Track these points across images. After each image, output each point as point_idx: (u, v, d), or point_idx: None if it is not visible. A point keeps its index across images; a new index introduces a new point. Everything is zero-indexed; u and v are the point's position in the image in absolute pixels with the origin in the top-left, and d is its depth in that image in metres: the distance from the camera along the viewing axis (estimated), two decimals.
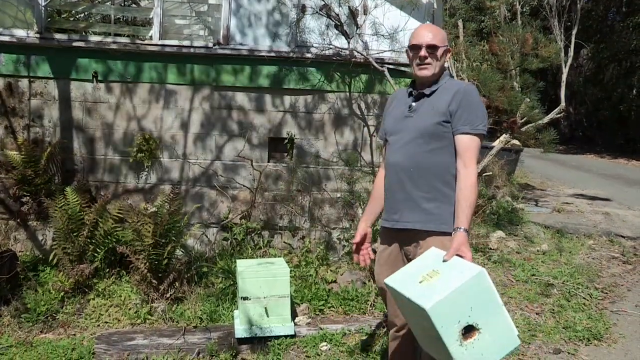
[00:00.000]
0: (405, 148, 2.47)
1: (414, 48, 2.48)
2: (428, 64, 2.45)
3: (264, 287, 3.74)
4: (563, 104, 5.60)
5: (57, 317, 4.05)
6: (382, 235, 2.67)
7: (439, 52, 2.46)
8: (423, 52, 2.44)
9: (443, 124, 2.40)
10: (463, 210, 2.30)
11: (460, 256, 2.20)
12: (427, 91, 2.49)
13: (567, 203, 8.88)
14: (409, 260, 2.55)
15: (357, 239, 2.68)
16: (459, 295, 2.00)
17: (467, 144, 2.38)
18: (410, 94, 2.57)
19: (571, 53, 5.84)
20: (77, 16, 6.93)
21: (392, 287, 2.23)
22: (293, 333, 3.77)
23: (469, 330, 2.02)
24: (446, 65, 5.10)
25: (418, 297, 2.03)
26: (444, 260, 2.20)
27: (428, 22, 5.12)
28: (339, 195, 5.29)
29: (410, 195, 2.45)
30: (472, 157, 2.38)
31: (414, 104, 2.52)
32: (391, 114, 2.63)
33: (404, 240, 2.54)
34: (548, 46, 4.77)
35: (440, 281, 2.08)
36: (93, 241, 4.45)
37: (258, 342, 3.69)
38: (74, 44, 5.02)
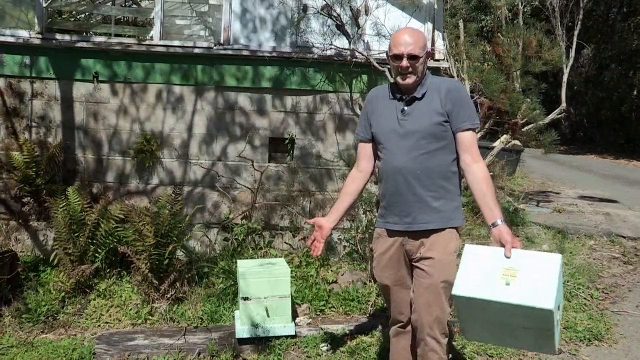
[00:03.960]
0: (409, 151, 2.47)
1: (395, 58, 2.47)
2: (410, 73, 2.46)
3: (265, 287, 3.73)
4: (564, 104, 5.59)
5: (58, 318, 4.05)
6: (382, 237, 2.66)
7: (420, 61, 2.46)
8: (405, 63, 2.43)
9: (442, 124, 2.45)
10: (493, 203, 2.35)
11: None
12: (418, 94, 2.51)
13: (569, 204, 8.87)
14: (411, 259, 2.56)
15: (311, 220, 2.76)
16: (557, 284, 2.09)
17: (471, 139, 2.45)
18: (400, 99, 2.55)
19: (573, 54, 5.83)
20: (78, 17, 6.94)
21: (474, 297, 2.17)
22: (294, 333, 3.77)
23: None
24: (447, 65, 5.11)
25: (526, 299, 2.06)
26: (506, 257, 2.22)
27: (429, 22, 5.13)
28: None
29: (420, 196, 2.48)
30: (477, 151, 2.46)
31: (406, 107, 2.52)
32: (380, 117, 2.61)
33: (410, 240, 2.55)
34: (552, 49, 4.76)
35: (529, 277, 2.12)
36: (94, 241, 4.45)
37: (259, 342, 3.69)
38: (75, 44, 5.03)
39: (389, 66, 4.97)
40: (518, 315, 2.09)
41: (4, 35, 4.96)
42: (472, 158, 2.43)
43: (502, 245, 2.26)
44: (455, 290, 2.22)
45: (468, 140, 2.44)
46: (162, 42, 5.08)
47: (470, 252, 2.32)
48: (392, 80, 4.75)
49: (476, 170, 2.41)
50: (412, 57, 2.43)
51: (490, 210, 2.33)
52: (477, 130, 2.52)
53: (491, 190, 2.37)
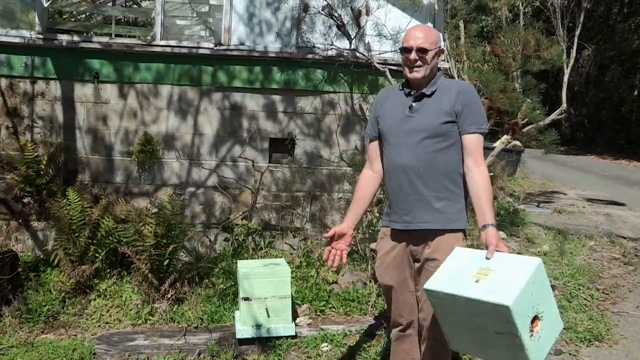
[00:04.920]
0: (413, 149, 2.45)
1: (404, 51, 2.48)
2: (418, 66, 2.46)
3: (265, 287, 3.73)
4: (564, 105, 5.59)
5: (58, 318, 4.05)
6: (386, 237, 2.64)
7: (429, 55, 2.46)
8: (413, 56, 2.44)
9: (449, 124, 2.43)
10: (487, 207, 2.32)
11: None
12: (427, 91, 2.50)
13: (570, 205, 8.87)
14: (416, 260, 2.56)
15: (330, 233, 2.56)
16: (529, 287, 2.01)
17: (476, 142, 2.43)
18: (408, 94, 2.56)
19: (573, 54, 5.83)
20: (79, 17, 6.94)
21: (442, 291, 2.14)
22: (294, 334, 3.77)
23: (533, 321, 2.04)
24: (447, 65, 5.11)
25: (489, 295, 1.99)
26: (487, 258, 2.19)
27: (429, 23, 5.13)
28: (340, 195, 5.29)
29: (422, 195, 2.46)
30: (481, 155, 2.44)
31: (414, 104, 2.51)
32: (388, 114, 2.59)
33: (413, 241, 2.53)
34: (550, 48, 4.77)
35: (501, 277, 2.07)
36: (94, 241, 4.45)
37: (259, 342, 3.69)
38: (76, 44, 5.03)
39: (390, 66, 5.01)
40: (484, 314, 2.03)
41: (5, 35, 4.96)
42: (474, 162, 2.41)
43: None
44: (426, 285, 2.21)
45: (473, 143, 2.42)
46: (163, 43, 5.08)
47: (455, 253, 2.32)
48: (393, 81, 4.77)
49: (476, 174, 2.39)
50: (421, 50, 2.44)
51: (482, 213, 2.32)
52: (484, 135, 2.48)
53: (488, 195, 2.35)
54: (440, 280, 2.20)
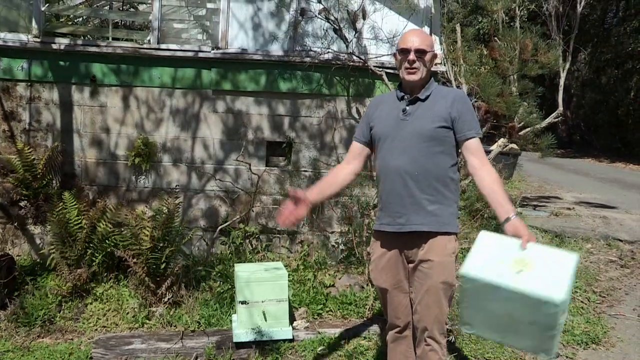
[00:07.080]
0: (407, 152, 2.48)
1: (402, 52, 2.52)
2: (416, 68, 2.50)
3: (263, 291, 3.73)
4: (561, 108, 5.62)
5: (55, 322, 4.04)
6: (380, 240, 2.66)
7: (427, 57, 2.51)
8: (412, 56, 2.48)
9: (444, 129, 2.46)
10: (504, 200, 2.35)
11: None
12: (421, 95, 2.53)
13: (566, 208, 8.88)
14: (410, 262, 2.56)
15: (295, 193, 2.54)
16: (571, 282, 2.08)
17: (478, 145, 2.48)
18: (402, 98, 2.59)
19: (569, 57, 5.87)
20: (76, 20, 6.94)
21: (483, 279, 2.13)
22: (291, 337, 3.77)
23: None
24: (444, 69, 5.12)
25: (536, 289, 2.03)
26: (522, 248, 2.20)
27: (426, 26, 5.15)
28: (337, 199, 5.29)
29: (415, 198, 2.48)
30: (485, 156, 2.50)
31: (408, 107, 2.54)
32: (381, 119, 2.62)
33: (407, 243, 2.54)
34: (547, 52, 4.80)
35: (543, 270, 2.10)
36: (91, 245, 4.45)
37: (256, 346, 3.69)
38: (73, 48, 5.03)
39: (386, 70, 5.01)
40: (524, 305, 2.05)
41: (2, 39, 4.95)
42: (480, 162, 2.45)
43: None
44: (464, 270, 2.17)
45: (475, 146, 2.47)
46: (159, 46, 5.08)
47: (484, 237, 2.30)
48: (390, 84, 4.78)
49: (485, 172, 2.42)
50: (419, 52, 2.48)
51: (501, 206, 2.33)
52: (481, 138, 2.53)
53: (502, 189, 2.38)
54: (478, 267, 2.17)
